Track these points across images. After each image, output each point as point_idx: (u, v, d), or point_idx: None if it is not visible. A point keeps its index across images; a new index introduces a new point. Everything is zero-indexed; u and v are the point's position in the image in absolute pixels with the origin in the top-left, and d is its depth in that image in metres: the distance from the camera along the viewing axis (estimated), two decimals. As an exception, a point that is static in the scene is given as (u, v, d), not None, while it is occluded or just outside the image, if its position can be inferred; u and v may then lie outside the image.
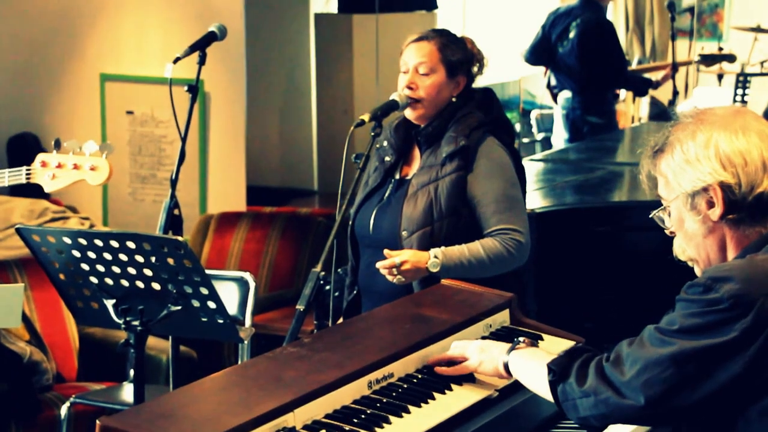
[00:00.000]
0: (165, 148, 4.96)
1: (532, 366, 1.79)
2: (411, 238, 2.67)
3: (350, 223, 2.84)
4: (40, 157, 2.71)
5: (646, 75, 6.35)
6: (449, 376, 1.91)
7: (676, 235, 1.72)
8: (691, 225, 1.68)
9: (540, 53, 5.97)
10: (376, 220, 2.76)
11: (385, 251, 2.60)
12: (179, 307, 2.30)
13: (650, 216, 1.75)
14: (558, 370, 1.69)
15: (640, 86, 6.17)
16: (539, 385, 1.75)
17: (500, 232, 2.65)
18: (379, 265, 2.57)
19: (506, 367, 1.84)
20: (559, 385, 1.68)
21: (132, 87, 4.99)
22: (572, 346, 1.72)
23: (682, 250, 1.73)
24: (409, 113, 2.77)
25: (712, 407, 1.57)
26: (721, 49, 6.38)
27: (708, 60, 6.32)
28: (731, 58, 6.31)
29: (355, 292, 2.86)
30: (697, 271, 1.71)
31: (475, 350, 1.91)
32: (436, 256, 2.59)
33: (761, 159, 1.62)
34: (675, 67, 5.98)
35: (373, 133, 2.63)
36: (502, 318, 2.20)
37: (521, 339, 1.86)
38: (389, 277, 2.59)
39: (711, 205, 1.64)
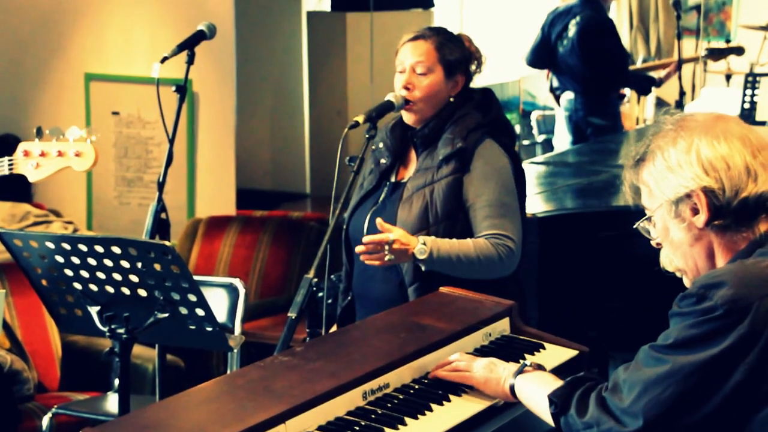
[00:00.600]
0: (152, 150, 4.96)
1: (537, 393, 1.80)
2: (406, 242, 2.66)
3: (344, 227, 2.84)
4: (23, 146, 2.70)
5: (651, 74, 6.36)
6: (447, 386, 1.91)
7: (663, 245, 1.73)
8: (676, 233, 1.68)
9: (541, 55, 5.98)
10: (370, 223, 2.76)
11: (378, 220, 2.59)
12: (166, 315, 2.30)
13: (634, 227, 1.76)
14: (559, 402, 1.70)
15: (642, 84, 6.18)
16: (544, 413, 1.76)
17: (492, 236, 2.65)
18: (367, 239, 2.56)
19: (512, 389, 1.85)
20: (561, 417, 1.69)
21: (118, 87, 4.99)
22: (573, 376, 1.73)
23: (669, 260, 1.73)
24: (406, 114, 2.77)
25: (716, 422, 1.57)
26: (728, 40, 6.38)
27: (715, 54, 6.32)
28: (739, 51, 6.31)
29: (349, 298, 2.86)
30: (686, 282, 1.71)
31: (482, 367, 1.92)
32: (424, 243, 2.58)
33: (744, 163, 1.63)
34: (680, 63, 5.99)
35: (367, 135, 2.63)
36: (502, 327, 2.20)
37: (528, 363, 1.88)
38: (370, 258, 2.56)
39: (695, 211, 1.65)
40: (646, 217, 1.73)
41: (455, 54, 2.76)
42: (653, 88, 6.38)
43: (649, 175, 1.70)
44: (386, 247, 2.56)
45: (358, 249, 2.58)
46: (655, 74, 6.25)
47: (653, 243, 1.75)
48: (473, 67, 2.82)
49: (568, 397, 1.69)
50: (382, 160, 2.83)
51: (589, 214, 3.68)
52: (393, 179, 2.82)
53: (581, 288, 3.62)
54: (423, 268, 2.61)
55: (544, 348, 2.18)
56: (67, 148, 2.66)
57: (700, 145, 1.65)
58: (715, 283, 1.57)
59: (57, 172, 2.68)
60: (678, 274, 1.74)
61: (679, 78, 5.97)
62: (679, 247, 1.69)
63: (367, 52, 6.60)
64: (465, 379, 1.92)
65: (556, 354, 2.16)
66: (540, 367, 1.88)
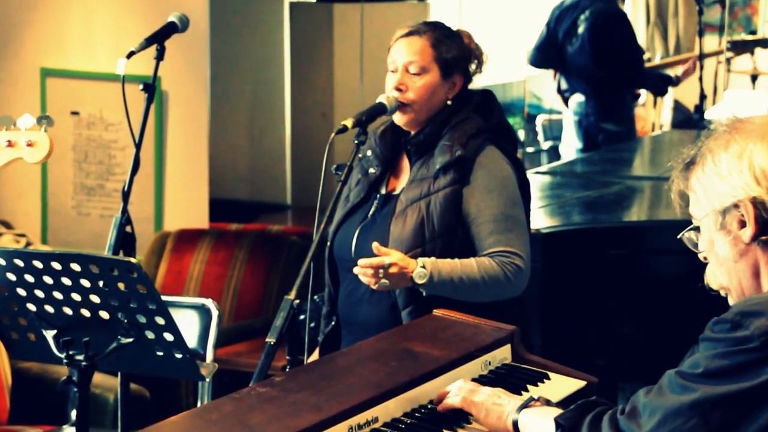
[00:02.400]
0: (115, 155, 4.96)
1: (542, 424, 1.80)
2: (400, 261, 2.67)
3: (328, 244, 2.85)
4: None
5: (668, 71, 6.39)
6: (441, 421, 1.92)
7: (708, 260, 1.74)
8: (721, 247, 1.69)
9: (547, 54, 5.99)
10: (359, 241, 2.77)
11: (374, 245, 2.60)
12: (131, 339, 2.30)
13: (678, 237, 1.77)
14: (567, 425, 1.70)
15: (658, 84, 6.20)
16: None
17: (498, 254, 2.66)
18: (363, 262, 2.57)
19: (515, 425, 1.86)
20: None
21: (78, 84, 4.99)
22: (583, 400, 1.73)
23: (714, 277, 1.74)
24: (398, 118, 2.78)
25: None
26: (753, 32, 6.41)
27: (739, 47, 6.35)
28: (766, 43, 6.34)
29: (333, 323, 2.86)
30: (731, 301, 1.73)
31: (486, 395, 1.92)
32: (423, 266, 2.59)
33: None
34: (701, 59, 6.01)
35: (356, 141, 2.63)
36: (503, 354, 2.21)
37: (536, 396, 1.88)
38: (367, 280, 2.57)
39: (743, 224, 1.66)
40: (692, 226, 1.74)
41: (453, 52, 2.77)
42: (670, 89, 6.40)
43: (697, 181, 1.71)
44: (380, 271, 2.56)
45: (356, 271, 2.58)
46: (672, 72, 6.27)
47: (700, 256, 1.76)
48: (473, 67, 2.84)
49: (577, 421, 1.70)
50: (371, 170, 2.84)
51: (599, 230, 3.69)
52: (383, 191, 2.83)
53: (589, 312, 3.63)
54: (424, 293, 2.62)
55: (548, 378, 2.19)
56: (18, 137, 2.65)
57: (754, 150, 1.65)
58: (753, 311, 1.58)
59: (6, 165, 2.67)
60: (722, 293, 1.75)
61: (700, 79, 5.99)
62: (723, 263, 1.70)
63: (357, 48, 6.61)
64: (465, 404, 1.92)
65: (561, 385, 2.17)
66: (548, 403, 1.88)
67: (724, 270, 1.71)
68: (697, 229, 1.74)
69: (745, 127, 1.70)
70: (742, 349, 1.57)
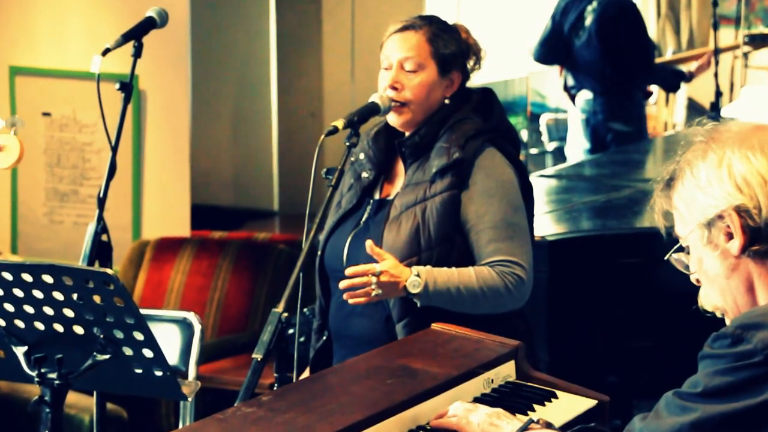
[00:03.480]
0: (90, 159, 4.96)
1: None
2: (394, 271, 2.67)
3: (319, 253, 2.85)
4: None
5: (680, 67, 6.40)
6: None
7: (700, 281, 1.74)
8: (710, 264, 1.70)
9: (552, 48, 6.00)
10: (350, 249, 2.77)
11: (368, 243, 2.59)
12: (107, 356, 2.30)
13: (665, 258, 1.78)
14: None
15: (669, 79, 6.21)
16: None
17: (498, 264, 2.66)
18: (351, 270, 2.56)
19: None
20: None
21: (50, 83, 4.99)
22: (581, 426, 1.74)
23: (707, 298, 1.74)
24: (393, 119, 2.78)
25: None
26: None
27: (757, 41, 6.36)
28: None
29: (324, 337, 2.86)
30: (728, 322, 1.72)
31: (485, 414, 1.92)
32: (417, 275, 2.59)
33: None
34: (716, 54, 6.03)
35: (348, 143, 2.63)
36: (507, 371, 2.21)
37: (536, 419, 1.88)
38: (354, 296, 2.57)
39: (730, 236, 1.67)
40: (678, 246, 1.75)
41: (450, 47, 2.78)
42: (683, 84, 6.41)
43: (679, 197, 1.72)
44: (373, 280, 2.56)
45: (342, 285, 2.58)
46: (685, 68, 6.28)
47: (692, 279, 1.76)
48: (471, 63, 2.84)
49: None
50: (364, 174, 2.84)
51: (609, 238, 3.70)
52: (377, 196, 2.83)
53: (599, 325, 3.63)
54: (418, 304, 2.62)
55: (556, 397, 2.19)
56: None
57: (732, 158, 1.67)
58: (754, 323, 1.58)
59: None
60: (718, 314, 1.75)
61: (715, 75, 6.01)
62: (714, 281, 1.71)
63: (347, 43, 6.62)
64: (460, 426, 1.92)
65: (570, 404, 2.17)
66: (549, 426, 1.88)
67: (717, 289, 1.71)
68: (683, 249, 1.74)
69: (722, 135, 1.71)
70: (745, 365, 1.57)
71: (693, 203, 1.69)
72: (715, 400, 1.57)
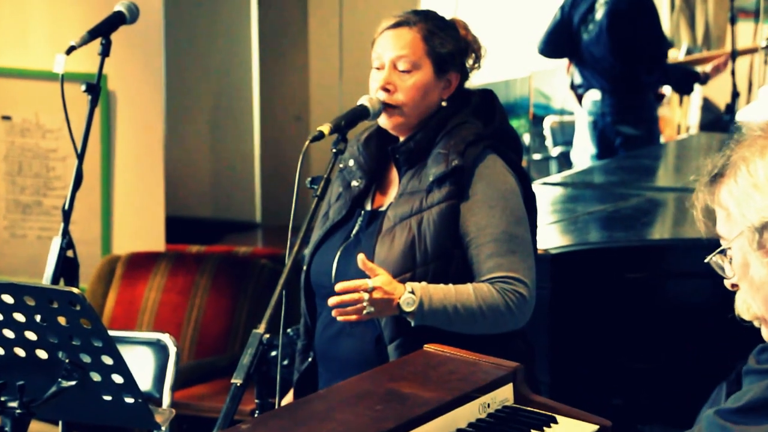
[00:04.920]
0: (55, 167, 4.96)
1: None
2: (388, 288, 2.68)
3: (304, 268, 2.85)
4: None
5: (696, 68, 6.42)
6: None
7: (739, 286, 1.74)
8: (758, 271, 1.70)
9: (559, 42, 6.03)
10: (340, 264, 2.77)
11: (360, 257, 2.59)
12: (73, 383, 2.30)
13: (706, 261, 1.77)
14: None
15: (683, 80, 6.24)
16: None
17: (499, 280, 2.67)
18: (341, 285, 2.57)
19: None
20: None
21: (9, 84, 4.99)
22: None
23: (746, 306, 1.74)
24: (385, 123, 2.79)
25: None
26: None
27: None
28: None
29: (309, 359, 2.86)
30: (765, 334, 1.73)
31: None
32: (412, 292, 2.60)
33: None
34: (734, 55, 6.05)
35: (335, 150, 2.64)
36: (504, 395, 2.22)
37: None
38: (344, 313, 2.57)
39: None
40: (722, 248, 1.74)
41: (448, 45, 2.79)
42: (697, 86, 6.44)
43: (728, 194, 1.71)
44: (365, 297, 2.56)
45: (331, 301, 2.59)
46: (700, 69, 6.31)
47: (727, 283, 1.76)
48: (470, 62, 2.85)
49: None
50: (354, 183, 2.85)
51: (615, 251, 3.71)
52: (369, 207, 2.84)
53: (604, 344, 3.64)
54: (412, 324, 2.62)
55: (556, 422, 2.20)
56: None
57: None
58: None
59: None
60: (756, 324, 1.75)
61: (732, 74, 6.03)
62: (760, 289, 1.70)
63: (336, 40, 6.63)
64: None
65: (570, 429, 2.17)
66: None
67: (761, 297, 1.71)
68: (724, 252, 1.74)
69: None
70: None
71: (746, 203, 1.69)
72: (760, 417, 1.57)
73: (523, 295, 2.66)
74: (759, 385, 1.60)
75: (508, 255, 2.68)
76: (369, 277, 2.62)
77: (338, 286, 2.58)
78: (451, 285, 2.64)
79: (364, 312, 2.56)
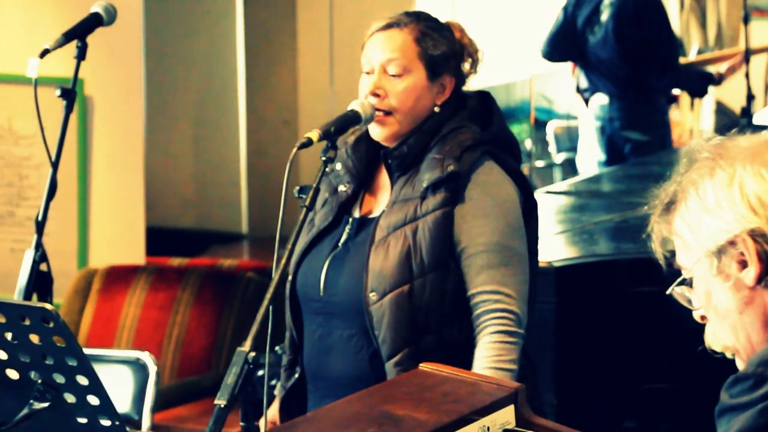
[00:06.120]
0: (28, 175, 4.95)
1: None
2: (382, 302, 2.67)
3: (290, 278, 2.85)
4: None
5: (708, 69, 6.43)
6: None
7: (707, 317, 1.74)
8: (721, 297, 1.69)
9: (563, 45, 6.04)
10: (328, 276, 2.77)
11: None
12: (46, 404, 2.29)
13: (667, 293, 1.77)
14: None
15: (696, 83, 6.25)
16: None
17: (484, 300, 2.66)
18: None
19: None
20: None
21: (-19, 89, 4.99)
22: None
23: (715, 337, 1.73)
24: (375, 131, 2.78)
25: None
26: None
27: None
28: None
29: (296, 375, 2.86)
30: (740, 365, 1.71)
31: None
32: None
33: None
34: (748, 56, 6.06)
35: (323, 158, 2.63)
36: (505, 417, 2.21)
37: None
38: None
39: (743, 264, 1.66)
40: (681, 278, 1.74)
41: (441, 48, 2.79)
42: (711, 88, 6.45)
43: (681, 221, 1.71)
44: None
45: None
46: (714, 69, 6.32)
47: (696, 316, 1.76)
48: (466, 66, 2.85)
49: None
50: (341, 188, 2.84)
51: (624, 263, 3.72)
52: (357, 213, 2.83)
53: (614, 363, 3.64)
54: None
55: (561, 447, 2.19)
56: None
57: (744, 175, 1.66)
58: None
59: None
60: (728, 354, 1.73)
61: (747, 76, 6.04)
62: (725, 317, 1.70)
63: (325, 43, 6.64)
64: None
65: (578, 455, 2.17)
66: None
67: (728, 325, 1.70)
68: (688, 282, 1.74)
69: (730, 150, 1.70)
70: None
71: (699, 228, 1.68)
72: None
73: (515, 314, 2.66)
74: (739, 420, 1.59)
75: (500, 267, 2.67)
76: (361, 288, 2.61)
77: None
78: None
79: None
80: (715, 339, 1.74)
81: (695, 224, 1.69)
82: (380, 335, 2.68)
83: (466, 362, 2.45)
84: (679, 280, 1.75)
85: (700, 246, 1.69)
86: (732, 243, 1.66)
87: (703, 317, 1.75)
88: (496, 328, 2.66)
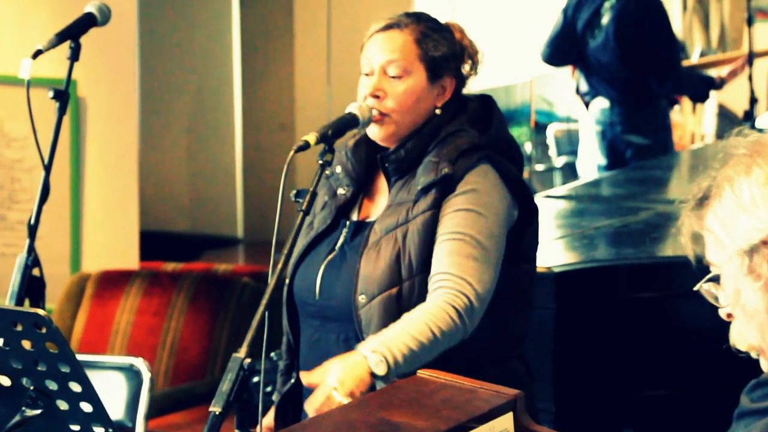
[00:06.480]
0: (20, 179, 4.95)
1: None
2: (371, 304, 2.67)
3: (287, 282, 2.84)
4: None
5: (710, 72, 6.44)
6: None
7: (734, 315, 1.74)
8: (750, 297, 1.69)
9: (563, 48, 6.04)
10: (324, 281, 2.77)
11: (303, 377, 2.52)
12: (38, 411, 2.29)
13: (695, 289, 1.77)
14: None
15: (696, 88, 6.25)
16: None
17: (445, 279, 2.62)
18: (310, 407, 2.49)
19: None
20: None
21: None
22: None
23: (741, 336, 1.73)
24: (374, 132, 2.79)
25: None
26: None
27: None
28: None
29: (293, 380, 2.86)
30: (764, 365, 1.72)
31: None
32: (373, 352, 2.52)
33: None
34: (751, 58, 6.07)
35: (321, 161, 2.64)
36: (504, 425, 2.21)
37: None
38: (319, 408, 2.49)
39: None
40: (711, 275, 1.74)
41: (442, 49, 2.79)
42: (712, 92, 6.45)
43: (714, 218, 1.71)
44: (336, 397, 2.46)
45: (307, 407, 2.50)
46: (715, 73, 6.33)
47: (722, 313, 1.76)
48: (466, 68, 2.85)
49: None
50: (340, 191, 2.84)
51: (624, 268, 3.71)
52: (355, 217, 2.84)
53: (613, 369, 3.64)
54: (382, 383, 2.56)
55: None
56: None
57: None
58: None
59: None
60: (753, 354, 1.73)
61: (750, 79, 6.05)
62: (753, 316, 1.70)
63: (323, 43, 6.65)
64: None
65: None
66: None
67: (755, 325, 1.70)
68: (717, 278, 1.74)
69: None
70: None
71: (733, 226, 1.68)
72: None
73: (470, 300, 2.61)
74: (758, 425, 1.59)
75: (470, 260, 2.63)
76: (354, 288, 2.63)
77: (308, 409, 2.50)
78: (402, 325, 2.59)
79: (343, 402, 2.49)
80: (741, 338, 1.74)
81: (729, 221, 1.69)
82: (367, 337, 2.67)
83: (456, 366, 2.44)
84: (708, 277, 1.74)
85: (732, 244, 1.69)
86: (765, 243, 1.66)
87: (729, 315, 1.75)
88: (450, 302, 2.61)
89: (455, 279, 2.63)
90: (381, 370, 2.53)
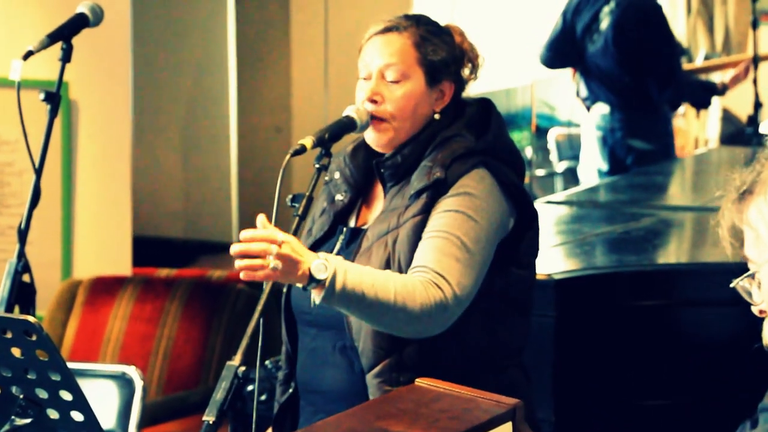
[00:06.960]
0: (10, 182, 4.95)
1: None
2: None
3: (284, 290, 2.85)
4: None
5: (713, 77, 6.44)
6: None
7: (767, 313, 1.75)
8: None
9: (562, 52, 6.05)
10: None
11: (260, 218, 2.48)
12: (28, 420, 2.29)
13: (732, 285, 1.78)
14: None
15: (698, 94, 6.26)
16: None
17: (423, 272, 2.59)
18: (247, 235, 2.44)
19: None
20: None
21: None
22: None
23: None
24: (372, 137, 2.79)
25: None
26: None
27: None
28: None
29: (290, 391, 2.86)
30: None
31: None
32: (327, 260, 2.49)
33: None
34: (756, 62, 6.07)
35: (318, 165, 2.64)
36: (503, 435, 2.22)
37: None
38: (250, 269, 2.43)
39: None
40: (750, 273, 1.74)
41: (441, 53, 2.79)
42: (715, 98, 6.46)
43: (758, 214, 1.72)
44: (273, 249, 2.43)
45: (233, 250, 2.45)
46: (718, 78, 6.33)
47: (755, 310, 1.76)
48: (466, 72, 2.86)
49: None
50: (338, 197, 2.85)
51: (626, 276, 3.71)
52: (352, 224, 2.84)
53: (614, 379, 3.64)
54: (316, 302, 2.54)
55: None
56: None
57: None
58: None
59: None
60: None
61: (754, 83, 6.05)
62: None
63: (320, 45, 6.65)
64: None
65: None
66: None
67: None
68: (753, 275, 1.74)
69: None
70: None
71: None
72: None
73: (445, 296, 2.57)
74: None
75: (451, 259, 2.61)
76: None
77: (243, 234, 2.47)
78: (369, 268, 2.57)
79: (270, 266, 2.42)
80: None
81: None
82: (360, 346, 2.67)
83: (455, 374, 2.44)
84: (747, 274, 1.75)
85: None
86: None
87: (762, 311, 1.75)
88: (425, 289, 2.57)
89: (433, 274, 2.59)
90: (320, 275, 2.47)
